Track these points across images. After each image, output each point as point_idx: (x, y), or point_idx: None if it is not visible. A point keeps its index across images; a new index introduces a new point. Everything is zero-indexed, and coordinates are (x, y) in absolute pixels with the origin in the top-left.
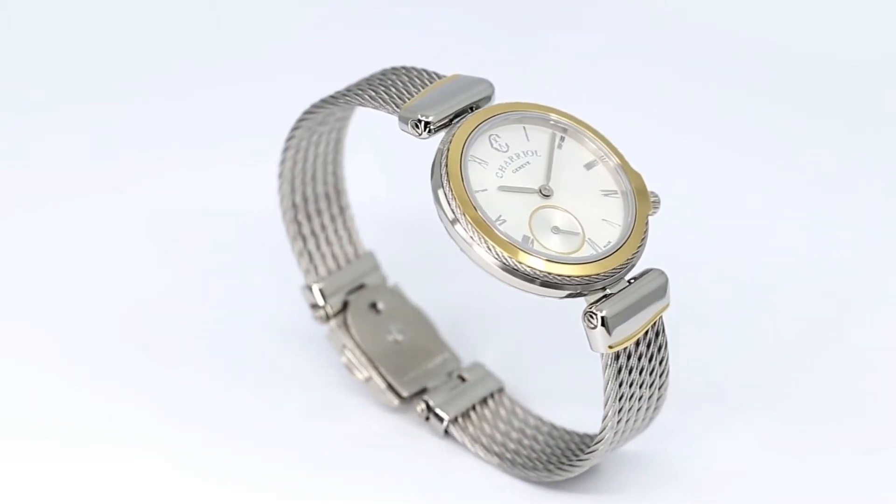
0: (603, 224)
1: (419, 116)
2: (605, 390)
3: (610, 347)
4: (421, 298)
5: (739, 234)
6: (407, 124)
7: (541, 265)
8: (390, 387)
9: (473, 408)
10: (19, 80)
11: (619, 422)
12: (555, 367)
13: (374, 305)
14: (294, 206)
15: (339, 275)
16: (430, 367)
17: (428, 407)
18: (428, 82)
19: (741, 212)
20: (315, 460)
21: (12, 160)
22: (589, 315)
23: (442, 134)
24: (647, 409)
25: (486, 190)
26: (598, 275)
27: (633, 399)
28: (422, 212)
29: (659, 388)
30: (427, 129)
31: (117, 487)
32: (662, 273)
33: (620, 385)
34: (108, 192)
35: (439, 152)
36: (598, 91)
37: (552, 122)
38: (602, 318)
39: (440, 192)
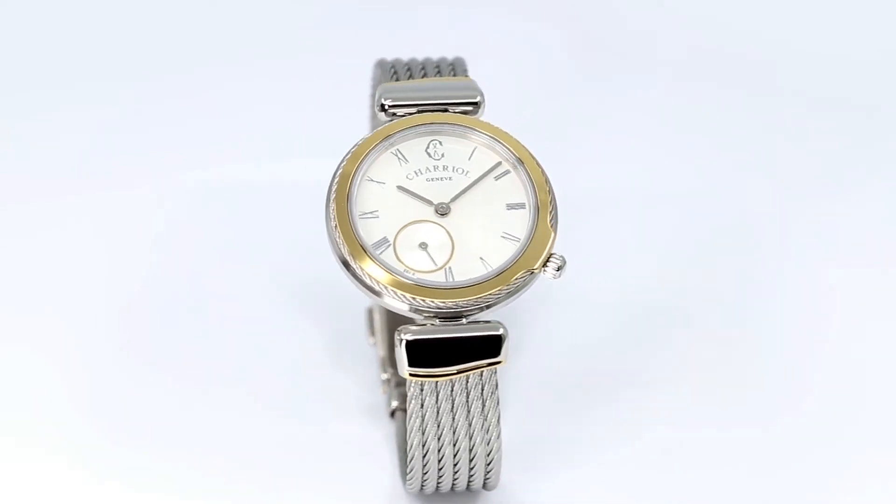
0: (477, 261)
1: (382, 98)
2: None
3: (410, 375)
4: None
5: None
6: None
7: (374, 271)
8: (383, 360)
9: None
10: (27, 82)
11: (428, 453)
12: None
13: None
14: None
15: None
16: None
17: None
18: (439, 73)
19: None
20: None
21: (29, 158)
22: (398, 333)
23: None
24: (475, 458)
25: (382, 182)
26: (424, 300)
27: (445, 441)
28: None
29: (487, 444)
30: (384, 111)
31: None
32: (502, 329)
33: (423, 418)
34: (114, 190)
35: (373, 128)
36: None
37: (506, 156)
38: (405, 341)
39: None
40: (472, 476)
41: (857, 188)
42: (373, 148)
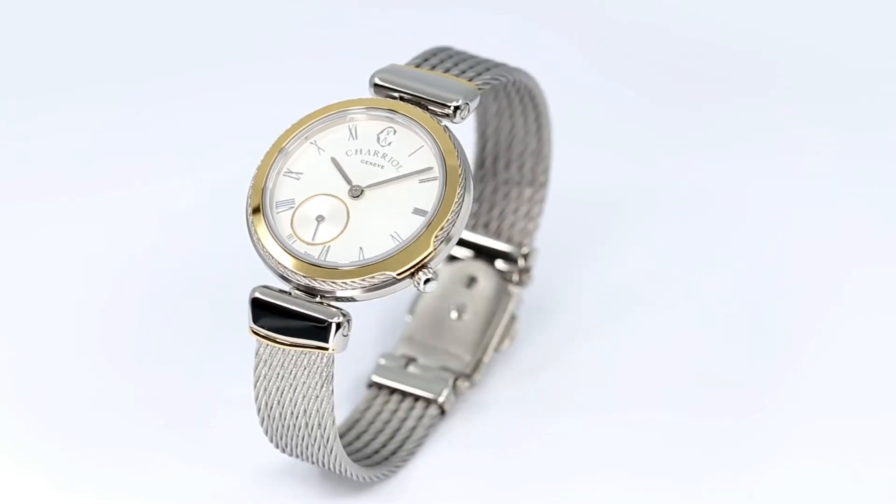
0: (356, 248)
1: (376, 77)
2: None
3: (252, 330)
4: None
5: None
6: None
7: (259, 226)
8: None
9: (403, 394)
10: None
11: (271, 409)
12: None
13: (473, 279)
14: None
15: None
16: (442, 350)
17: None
18: (464, 73)
19: None
20: None
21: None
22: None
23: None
24: (315, 440)
25: (322, 150)
26: (287, 268)
27: (283, 406)
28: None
29: (320, 425)
30: (373, 86)
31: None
32: (340, 318)
33: (265, 376)
34: (112, 193)
35: None
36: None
37: (439, 165)
38: (252, 297)
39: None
40: (322, 459)
41: (858, 187)
42: (333, 113)
